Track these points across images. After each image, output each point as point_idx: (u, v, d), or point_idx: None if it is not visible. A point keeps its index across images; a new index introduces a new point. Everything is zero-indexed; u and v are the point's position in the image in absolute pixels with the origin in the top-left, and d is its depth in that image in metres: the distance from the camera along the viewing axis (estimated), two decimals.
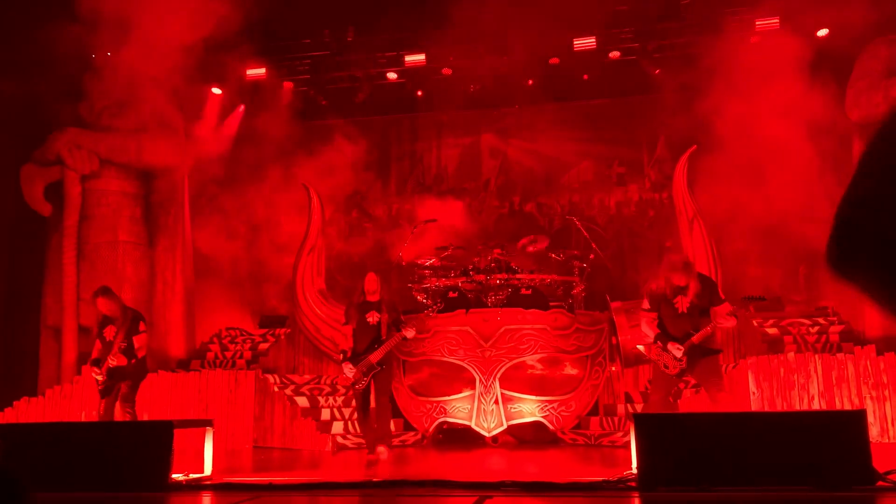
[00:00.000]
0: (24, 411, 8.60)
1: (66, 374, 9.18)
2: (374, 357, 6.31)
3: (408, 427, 8.32)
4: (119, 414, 6.46)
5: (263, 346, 9.45)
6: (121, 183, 9.93)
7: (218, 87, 11.17)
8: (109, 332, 6.57)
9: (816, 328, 8.31)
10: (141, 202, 10.12)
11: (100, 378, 6.47)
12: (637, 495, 4.04)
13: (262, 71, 11.15)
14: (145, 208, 10.15)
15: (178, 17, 9.51)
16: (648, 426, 4.29)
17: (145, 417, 7.99)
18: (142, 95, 10.17)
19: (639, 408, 7.74)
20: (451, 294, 8.52)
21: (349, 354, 6.41)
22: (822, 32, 9.78)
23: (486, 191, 11.79)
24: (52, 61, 9.77)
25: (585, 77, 10.68)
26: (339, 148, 12.02)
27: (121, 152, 9.82)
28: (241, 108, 11.30)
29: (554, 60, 10.72)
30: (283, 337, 9.72)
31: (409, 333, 6.47)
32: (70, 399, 8.57)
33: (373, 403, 6.62)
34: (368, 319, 6.42)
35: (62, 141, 9.63)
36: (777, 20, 9.74)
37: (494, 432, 7.75)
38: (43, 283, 9.96)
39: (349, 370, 6.35)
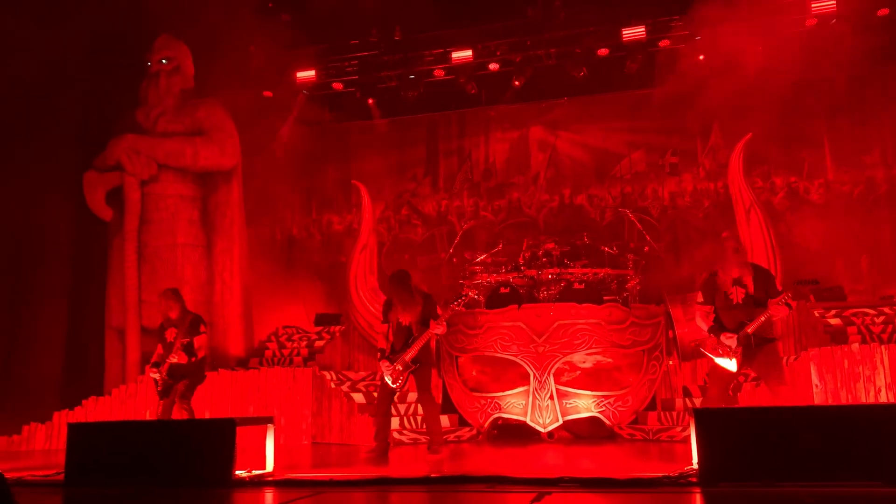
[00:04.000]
0: (93, 409, 8.92)
1: (130, 373, 9.48)
2: (408, 355, 6.31)
3: (462, 423, 8.35)
4: (176, 412, 6.65)
5: (319, 343, 9.61)
6: (178, 187, 10.20)
7: (269, 91, 11.36)
8: (170, 333, 6.79)
9: (882, 318, 8.04)
10: (198, 205, 10.38)
11: (158, 378, 6.67)
12: (699, 491, 3.99)
13: (312, 73, 11.30)
14: (202, 211, 10.40)
15: (231, 22, 9.72)
16: (709, 421, 4.22)
17: (206, 415, 8.20)
18: (195, 101, 10.44)
19: (697, 402, 7.62)
20: (502, 290, 8.51)
21: (387, 353, 6.43)
22: (883, 12, 9.44)
23: (536, 184, 11.74)
24: (110, 69, 10.10)
25: (635, 67, 10.51)
26: (388, 146, 12.16)
27: (178, 157, 10.08)
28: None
29: (602, 51, 10.61)
30: (338, 334, 9.86)
31: (439, 329, 6.39)
32: (135, 398, 8.86)
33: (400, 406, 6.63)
34: (400, 319, 6.44)
35: (121, 147, 9.92)
36: (834, 2, 9.44)
37: (550, 428, 7.72)
38: (106, 286, 10.28)
39: (386, 368, 6.36)
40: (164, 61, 10.33)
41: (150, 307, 9.42)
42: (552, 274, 8.58)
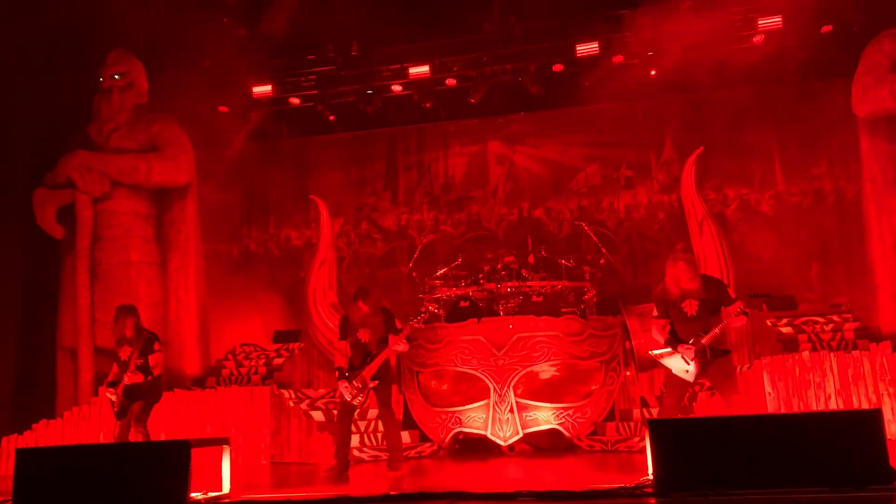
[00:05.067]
0: (44, 434, 8.68)
1: (83, 395, 9.24)
2: (367, 372, 6.28)
3: (423, 438, 8.34)
4: (133, 434, 6.51)
5: (278, 361, 9.53)
6: (132, 203, 10.02)
7: (225, 106, 11.26)
8: (125, 352, 6.65)
9: (831, 326, 8.28)
10: (152, 221, 10.19)
11: (114, 399, 6.53)
12: (654, 502, 4.04)
13: (268, 88, 11.26)
14: (157, 227, 10.21)
15: (185, 38, 9.63)
16: (663, 431, 4.28)
17: (162, 436, 8.04)
18: (149, 116, 10.30)
19: (655, 412, 7.72)
20: (462, 304, 8.55)
21: (346, 371, 6.40)
22: (826, 29, 9.76)
23: (495, 198, 11.82)
24: (61, 85, 9.92)
25: (589, 82, 10.70)
26: (346, 161, 12.15)
27: (131, 173, 9.91)
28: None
29: (557, 67, 10.77)
30: (296, 351, 9.80)
31: (399, 347, 6.41)
32: (88, 420, 8.65)
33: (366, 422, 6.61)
34: (359, 336, 6.43)
35: (72, 164, 9.73)
36: (780, 18, 9.73)
37: (510, 441, 7.76)
38: (58, 305, 10.04)
39: (344, 388, 6.33)
40: (116, 76, 10.17)
41: (103, 327, 9.19)
42: (511, 287, 8.64)
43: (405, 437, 8.00)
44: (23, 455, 5.12)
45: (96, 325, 9.48)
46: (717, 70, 9.91)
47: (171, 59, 9.99)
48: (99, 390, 8.64)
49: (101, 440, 8.26)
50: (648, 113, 11.04)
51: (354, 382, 6.28)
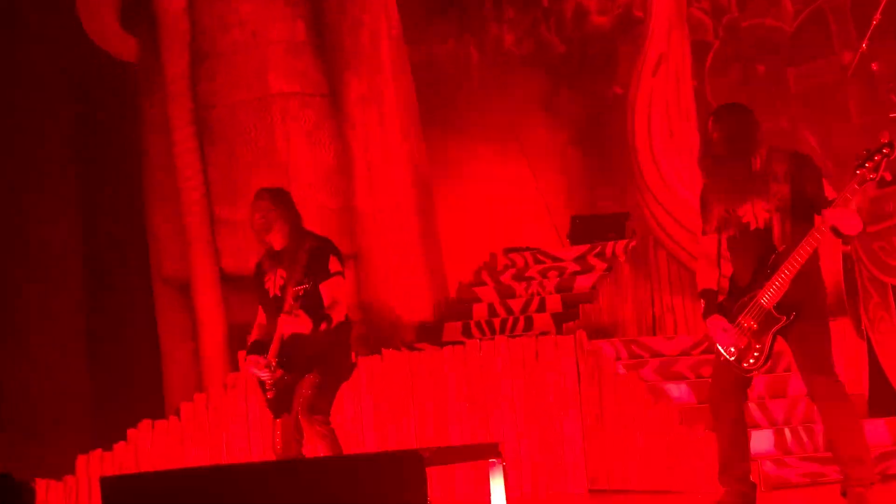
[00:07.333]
0: (147, 446, 9.52)
1: (210, 367, 10.01)
2: (771, 297, 6.15)
3: None
4: (308, 438, 6.87)
5: (584, 280, 9.75)
6: None
7: None
8: (275, 280, 6.92)
9: None
10: (303, 9, 10.59)
11: (267, 376, 6.83)
12: None
13: None
14: (312, 21, 10.62)
15: None
16: None
17: (366, 444, 8.48)
18: None
19: None
20: None
21: (721, 297, 6.34)
22: None
23: None
24: None
25: None
26: None
27: None
28: None
29: None
30: (621, 257, 9.97)
31: (848, 225, 6.11)
32: (223, 413, 9.31)
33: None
34: (742, 216, 6.25)
35: None
36: None
37: None
38: (144, 200, 10.88)
39: (722, 334, 6.21)
40: None
41: (231, 231, 9.80)
42: None
43: (874, 432, 7.92)
44: (109, 485, 5.59)
45: (219, 229, 10.13)
46: None
47: None
48: (238, 359, 9.28)
49: (256, 457, 8.90)
50: None
51: (743, 321, 6.16)
